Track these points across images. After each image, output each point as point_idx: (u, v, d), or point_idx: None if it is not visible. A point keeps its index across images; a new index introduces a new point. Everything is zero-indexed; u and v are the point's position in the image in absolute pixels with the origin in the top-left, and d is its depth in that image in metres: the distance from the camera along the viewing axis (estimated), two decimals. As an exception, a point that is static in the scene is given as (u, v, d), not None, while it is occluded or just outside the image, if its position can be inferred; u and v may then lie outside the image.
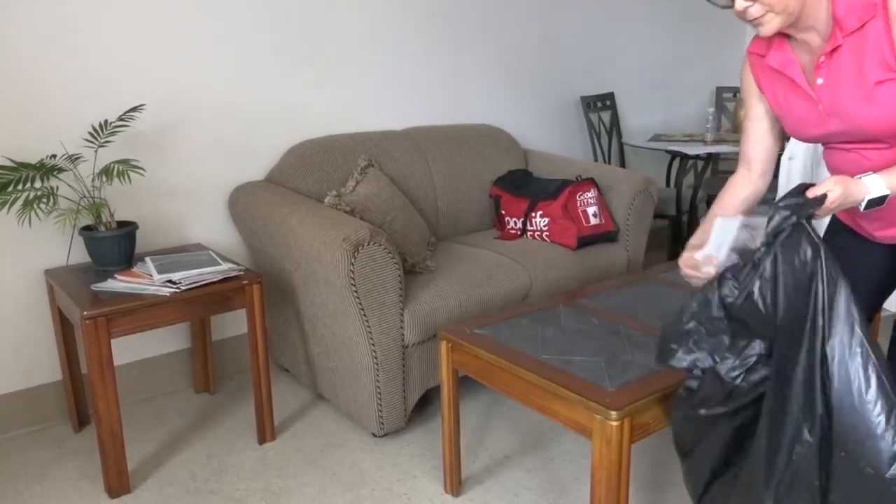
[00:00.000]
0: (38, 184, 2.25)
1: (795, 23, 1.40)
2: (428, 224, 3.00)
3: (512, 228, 3.05)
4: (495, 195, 3.16)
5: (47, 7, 2.37)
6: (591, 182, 2.99)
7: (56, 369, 2.55)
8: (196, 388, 2.80)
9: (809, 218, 1.35)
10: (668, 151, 3.80)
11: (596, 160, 3.94)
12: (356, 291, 2.23)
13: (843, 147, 1.50)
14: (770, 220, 1.37)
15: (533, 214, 2.97)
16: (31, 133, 2.39)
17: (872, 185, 1.35)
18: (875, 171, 1.38)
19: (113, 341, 2.07)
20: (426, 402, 2.64)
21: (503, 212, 3.09)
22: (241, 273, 2.29)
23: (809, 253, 1.33)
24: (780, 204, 1.36)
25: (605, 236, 2.97)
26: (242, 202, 2.70)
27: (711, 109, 3.97)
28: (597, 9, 3.95)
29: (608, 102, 4.06)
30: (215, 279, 2.23)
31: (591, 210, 2.94)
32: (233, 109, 2.80)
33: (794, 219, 1.34)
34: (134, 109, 2.39)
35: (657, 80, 4.38)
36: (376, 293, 2.26)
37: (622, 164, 4.14)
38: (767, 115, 1.60)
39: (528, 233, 2.99)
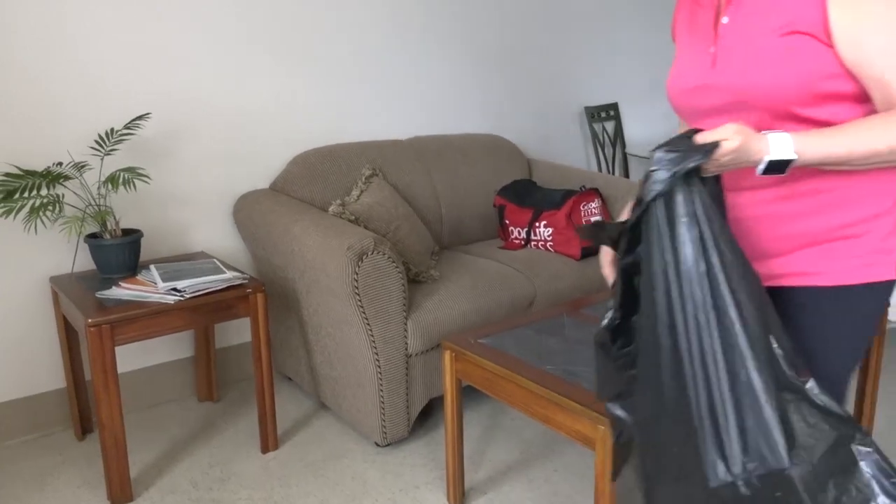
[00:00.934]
0: (44, 191, 2.26)
1: None
2: (432, 233, 3.00)
3: (516, 238, 3.05)
4: (499, 205, 3.16)
5: (54, 15, 2.38)
6: (594, 192, 2.99)
7: (60, 376, 2.55)
8: (199, 397, 2.80)
9: (696, 173, 1.10)
10: (671, 162, 3.80)
11: (600, 170, 3.94)
12: (360, 300, 2.23)
13: (710, 121, 1.28)
14: (645, 177, 1.10)
15: (537, 224, 2.97)
16: (38, 141, 2.40)
17: (776, 145, 1.11)
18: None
19: (117, 349, 2.07)
20: (429, 412, 2.63)
21: (507, 221, 3.09)
22: (245, 281, 2.29)
23: (685, 221, 1.09)
24: (659, 152, 1.10)
25: (608, 246, 2.96)
26: (247, 210, 2.71)
27: (715, 120, 3.97)
28: (601, 19, 3.96)
29: (612, 112, 4.07)
30: (219, 287, 2.23)
31: (594, 220, 2.93)
32: (238, 118, 2.81)
33: (672, 174, 1.08)
34: (140, 118, 2.40)
35: (661, 90, 4.38)
36: (380, 302, 2.26)
37: (626, 175, 4.14)
38: None
39: (532, 243, 2.99)
